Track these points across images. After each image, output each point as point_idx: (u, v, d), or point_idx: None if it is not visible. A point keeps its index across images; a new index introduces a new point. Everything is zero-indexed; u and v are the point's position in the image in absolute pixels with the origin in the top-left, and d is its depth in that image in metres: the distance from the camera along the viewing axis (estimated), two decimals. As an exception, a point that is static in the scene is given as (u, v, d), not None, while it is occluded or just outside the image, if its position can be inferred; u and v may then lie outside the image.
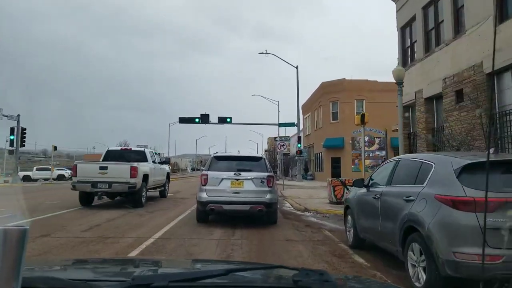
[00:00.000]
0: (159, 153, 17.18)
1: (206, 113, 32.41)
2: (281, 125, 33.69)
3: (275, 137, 18.50)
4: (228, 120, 32.62)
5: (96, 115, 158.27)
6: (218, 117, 32.75)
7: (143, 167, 12.52)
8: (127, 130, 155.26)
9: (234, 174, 8.46)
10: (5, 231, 0.76)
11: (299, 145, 32.59)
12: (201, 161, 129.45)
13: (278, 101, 51.93)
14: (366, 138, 32.68)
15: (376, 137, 32.81)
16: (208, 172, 8.62)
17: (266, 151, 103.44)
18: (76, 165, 12.20)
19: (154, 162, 14.27)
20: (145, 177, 12.51)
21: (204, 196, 8.41)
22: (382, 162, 31.98)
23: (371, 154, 32.76)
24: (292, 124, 33.67)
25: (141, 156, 13.55)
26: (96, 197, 12.20)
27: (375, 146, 32.74)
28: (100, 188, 11.62)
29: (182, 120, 32.74)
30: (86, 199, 12.22)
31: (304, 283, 1.13)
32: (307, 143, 41.88)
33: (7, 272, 0.76)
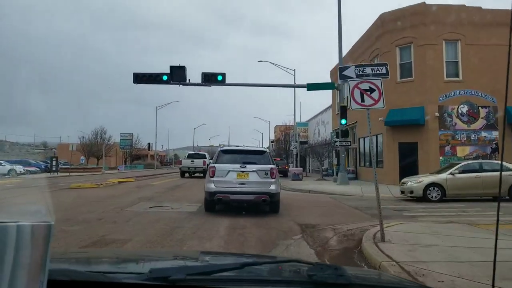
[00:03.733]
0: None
1: (181, 65, 18.45)
2: (310, 87, 19.59)
3: (344, 68, 6.96)
4: (219, 78, 18.63)
5: (91, 107, 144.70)
6: (203, 74, 18.76)
7: (206, 160, 26.61)
8: (118, 121, 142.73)
9: (240, 166, 8.85)
10: (32, 227, 0.80)
11: (343, 121, 18.47)
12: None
13: (294, 70, 37.92)
14: (464, 109, 18.51)
15: (482, 107, 18.58)
16: (216, 165, 9.08)
17: (272, 141, 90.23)
18: (181, 160, 30.88)
19: (209, 158, 27.30)
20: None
21: (212, 186, 8.83)
22: (493, 149, 17.81)
23: (473, 136, 18.54)
24: (329, 86, 19.70)
25: (203, 155, 28.29)
26: (186, 174, 27.56)
27: (480, 123, 18.52)
28: (191, 170, 27.15)
29: (139, 78, 18.81)
30: (183, 175, 27.58)
31: (319, 277, 1.13)
32: (343, 123, 27.74)
33: (35, 266, 0.79)
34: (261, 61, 38.08)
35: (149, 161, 71.86)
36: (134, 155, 69.58)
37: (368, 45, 22.20)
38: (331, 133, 29.48)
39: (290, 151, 51.33)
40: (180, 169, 28.60)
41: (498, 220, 1.48)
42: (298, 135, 35.29)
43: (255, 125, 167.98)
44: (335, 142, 19.32)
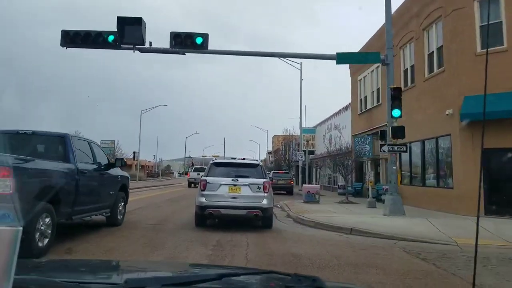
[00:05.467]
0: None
1: (138, 16, 11.49)
2: (342, 58, 12.35)
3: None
4: (198, 41, 11.64)
5: (84, 114, 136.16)
6: (172, 34, 11.75)
7: None
8: (107, 129, 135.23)
9: (232, 180, 8.71)
10: None
11: (396, 112, 11.46)
12: (192, 164, 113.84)
13: (301, 63, 31.34)
14: None
15: None
16: (207, 178, 8.89)
17: (270, 152, 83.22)
18: (189, 172, 39.11)
19: None
20: None
21: (203, 200, 8.63)
22: None
23: None
24: (371, 57, 12.76)
25: None
26: (193, 185, 30.35)
27: None
28: (197, 181, 26.40)
29: (70, 39, 11.76)
30: (190, 186, 31.52)
31: None
32: (369, 123, 20.72)
33: None
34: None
35: (133, 172, 64.46)
36: (115, 165, 61.93)
37: (423, 5, 15.23)
38: (353, 137, 22.42)
39: (292, 162, 44.22)
40: (188, 180, 33.57)
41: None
42: (307, 142, 28.15)
43: (251, 135, 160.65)
44: (381, 147, 12.22)
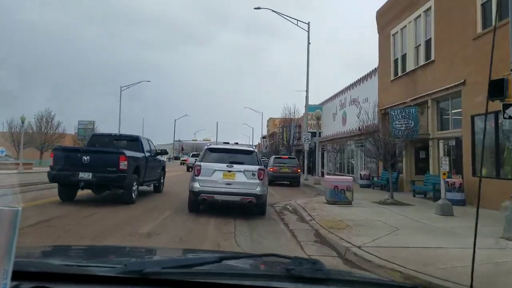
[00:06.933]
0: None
1: None
2: None
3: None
4: None
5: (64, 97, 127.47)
6: None
7: None
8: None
9: (227, 166, 8.74)
10: None
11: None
12: (182, 148, 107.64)
13: (308, 22, 25.35)
14: None
15: None
16: (201, 163, 8.97)
17: (264, 137, 77.37)
18: (187, 157, 43.21)
19: None
20: None
21: (197, 186, 8.67)
22: None
23: None
24: None
25: None
26: (191, 169, 25.27)
27: None
28: None
29: None
30: (188, 170, 31.10)
31: (297, 271, 1.12)
32: (411, 91, 14.88)
33: None
34: (258, 8, 25.02)
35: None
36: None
37: None
38: (382, 111, 16.64)
39: (292, 146, 38.55)
40: (186, 165, 34.84)
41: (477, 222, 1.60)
42: (318, 119, 22.17)
43: (245, 118, 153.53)
44: (503, 109, 6.29)
